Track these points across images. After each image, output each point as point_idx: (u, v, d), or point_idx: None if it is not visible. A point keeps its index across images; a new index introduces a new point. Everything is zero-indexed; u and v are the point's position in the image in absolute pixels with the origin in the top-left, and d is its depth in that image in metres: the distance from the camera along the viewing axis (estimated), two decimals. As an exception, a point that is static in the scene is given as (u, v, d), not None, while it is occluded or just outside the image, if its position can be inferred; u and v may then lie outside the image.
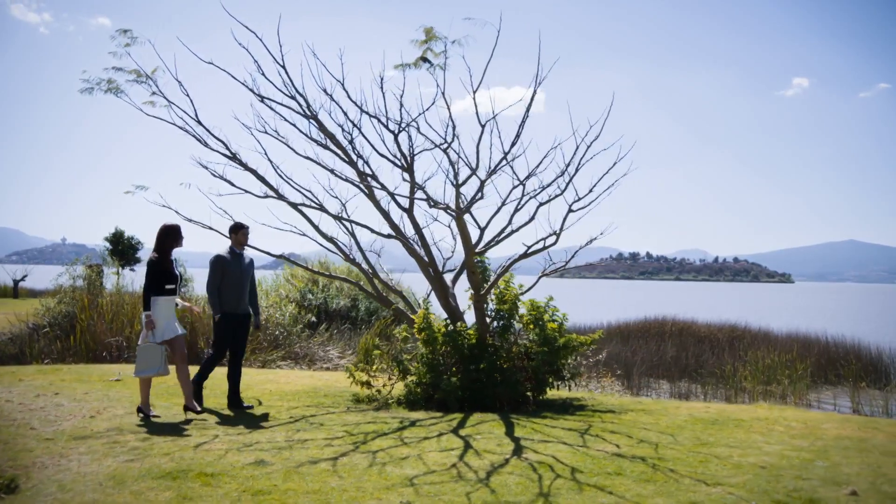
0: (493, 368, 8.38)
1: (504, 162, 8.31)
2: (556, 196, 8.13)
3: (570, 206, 7.94)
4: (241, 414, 7.74)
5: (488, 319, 8.77)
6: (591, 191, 8.00)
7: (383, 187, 8.32)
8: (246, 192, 8.16)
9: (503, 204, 9.02)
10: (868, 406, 13.00)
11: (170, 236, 7.42)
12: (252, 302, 8.05)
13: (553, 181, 8.42)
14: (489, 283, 8.47)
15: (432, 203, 7.88)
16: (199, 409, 7.45)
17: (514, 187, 8.79)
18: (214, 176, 8.13)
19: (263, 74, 8.09)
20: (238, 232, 7.97)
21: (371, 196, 8.50)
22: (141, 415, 7.33)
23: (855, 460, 6.17)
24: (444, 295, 8.88)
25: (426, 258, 8.75)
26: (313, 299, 20.13)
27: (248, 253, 8.16)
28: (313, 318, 19.40)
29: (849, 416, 8.81)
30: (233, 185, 8.12)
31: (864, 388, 14.60)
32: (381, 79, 7.89)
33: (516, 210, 8.75)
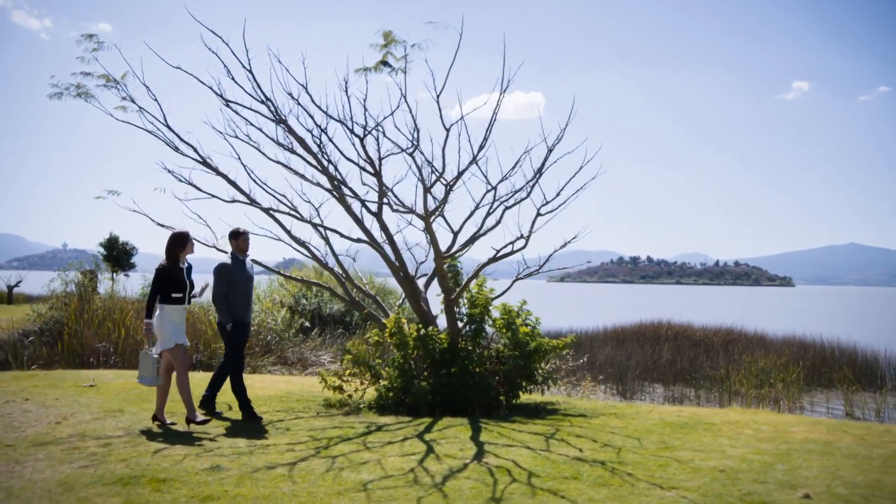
0: (464, 373, 8.36)
1: (475, 165, 8.30)
2: (522, 200, 8.13)
3: (539, 209, 7.93)
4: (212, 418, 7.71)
5: (461, 324, 8.76)
6: (558, 194, 7.99)
7: (352, 192, 8.32)
8: (213, 196, 8.16)
9: (476, 208, 9.02)
10: (860, 410, 12.99)
11: (176, 243, 7.23)
12: None
13: (524, 185, 8.42)
14: (460, 288, 8.46)
15: (393, 208, 7.86)
16: (199, 418, 7.21)
17: (487, 192, 8.80)
18: (180, 181, 8.12)
19: (233, 79, 8.09)
20: (238, 238, 7.81)
21: (342, 200, 8.50)
22: (157, 422, 7.23)
23: (815, 463, 6.15)
24: (416, 299, 8.87)
25: (396, 262, 8.73)
26: (307, 304, 20.11)
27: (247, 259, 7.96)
28: (307, 323, 19.38)
29: (819, 420, 8.78)
30: (199, 189, 8.11)
31: (857, 392, 14.58)
32: (346, 82, 7.90)
33: (488, 214, 8.76)
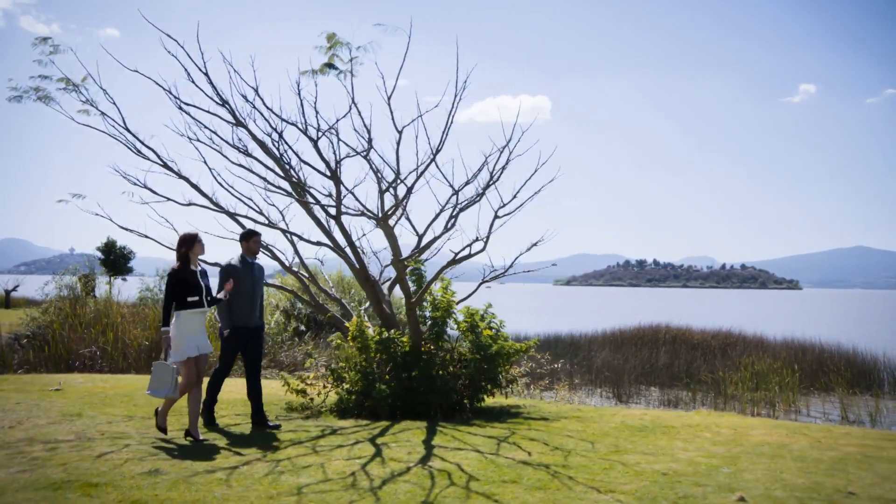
0: (425, 376, 8.33)
1: (436, 169, 8.28)
2: (474, 203, 8.11)
3: (496, 212, 7.91)
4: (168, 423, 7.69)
5: (424, 327, 8.73)
6: (514, 196, 7.97)
7: (311, 195, 8.30)
8: (168, 199, 8.15)
9: (441, 210, 9.00)
10: (855, 413, 12.91)
11: (183, 244, 6.90)
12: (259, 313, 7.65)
13: (486, 188, 8.39)
14: (420, 290, 8.43)
15: (343, 211, 7.83)
16: (201, 437, 6.90)
17: (452, 195, 8.78)
18: (135, 184, 8.11)
19: (193, 82, 8.10)
20: (249, 239, 7.55)
21: (303, 204, 8.48)
22: (190, 438, 6.87)
23: (761, 466, 6.09)
24: (378, 302, 8.85)
25: (357, 265, 8.71)
26: (303, 308, 20.12)
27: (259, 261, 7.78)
28: (302, 327, 19.38)
29: (782, 422, 8.72)
30: (154, 192, 8.10)
31: (855, 395, 14.50)
32: (298, 85, 7.90)
33: (451, 217, 8.73)
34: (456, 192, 8.60)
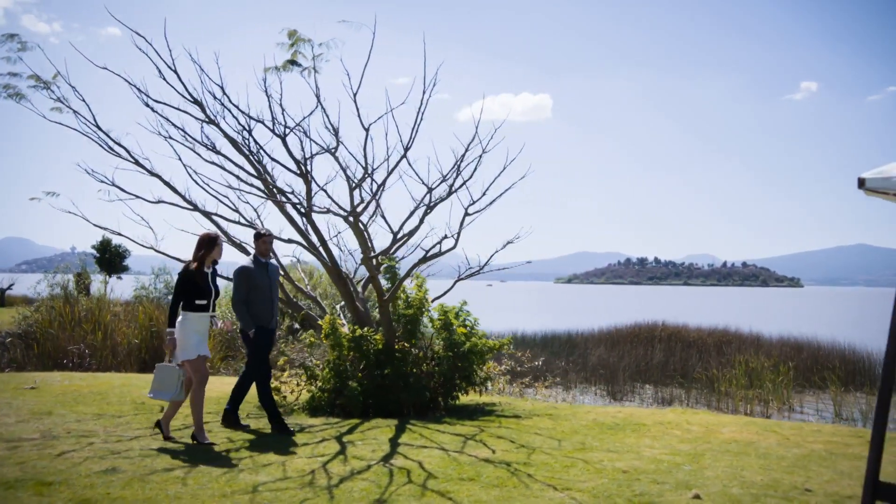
0: (398, 374, 8.31)
1: (408, 167, 8.26)
2: (441, 201, 8.08)
3: (466, 209, 7.89)
4: (145, 422, 7.67)
5: (397, 325, 8.71)
6: (484, 194, 7.95)
7: (280, 191, 8.27)
8: (137, 196, 8.13)
9: (416, 208, 8.98)
10: (848, 411, 12.88)
11: (202, 246, 6.72)
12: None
13: (461, 186, 8.38)
14: (392, 288, 8.41)
15: (304, 208, 7.80)
16: (207, 440, 6.72)
17: (427, 193, 8.76)
18: (103, 182, 8.09)
19: (164, 79, 8.07)
20: (258, 240, 7.40)
21: (275, 201, 8.46)
22: (195, 442, 6.67)
23: (724, 463, 6.07)
24: (352, 300, 8.83)
25: (329, 263, 8.69)
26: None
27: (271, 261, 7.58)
28: (296, 325, 19.33)
29: (755, 420, 8.68)
30: (123, 189, 8.07)
31: (849, 392, 14.46)
32: (265, 82, 7.87)
33: (425, 214, 8.71)
34: (430, 190, 8.58)
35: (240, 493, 5.16)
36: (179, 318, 6.70)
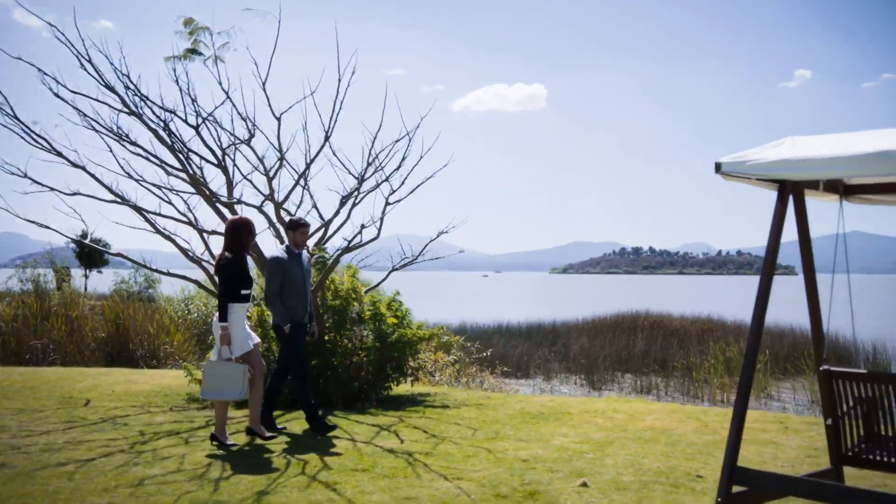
0: (324, 366, 8.24)
1: (334, 157, 8.17)
2: (355, 190, 8.01)
3: (387, 198, 7.81)
4: (64, 416, 7.58)
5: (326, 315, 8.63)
6: (403, 183, 7.89)
7: (199, 182, 8.15)
8: (52, 189, 8.01)
9: (347, 199, 8.88)
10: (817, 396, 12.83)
11: (244, 231, 6.41)
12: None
13: (389, 176, 8.31)
14: (320, 279, 8.33)
15: (216, 199, 7.71)
16: (266, 433, 6.50)
17: (360, 183, 8.68)
18: (11, 174, 7.95)
19: (83, 67, 7.93)
20: (296, 230, 6.94)
21: (199, 192, 8.35)
22: (215, 443, 6.32)
23: (629, 451, 6.02)
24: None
25: (255, 253, 8.60)
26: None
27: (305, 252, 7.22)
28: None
29: (684, 407, 8.63)
30: (36, 182, 7.95)
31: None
32: (175, 72, 7.76)
33: (354, 205, 8.63)
34: (362, 180, 8.49)
35: (123, 487, 5.08)
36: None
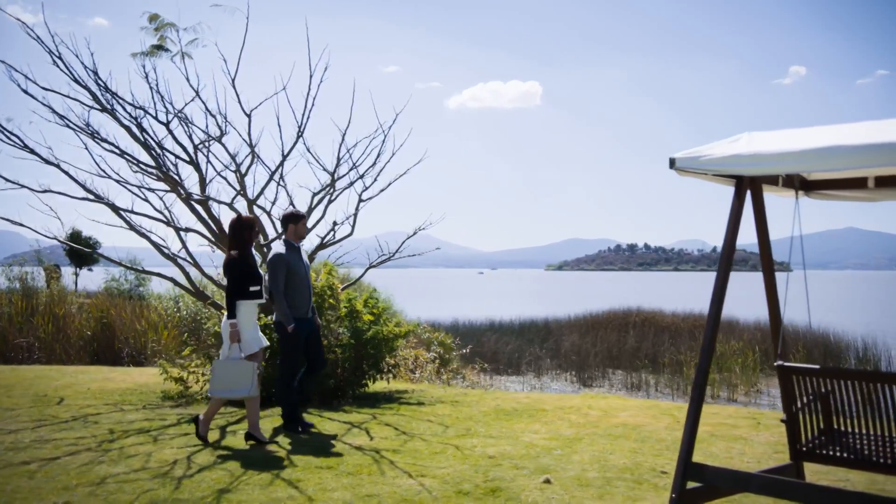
0: (300, 363, 8.19)
1: (308, 154, 8.14)
2: (328, 186, 7.98)
3: (360, 195, 7.79)
4: (50, 415, 7.55)
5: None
6: (375, 180, 7.87)
7: (179, 181, 8.11)
8: (22, 186, 7.95)
9: (324, 196, 8.85)
10: None
11: (244, 229, 6.31)
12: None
13: (364, 174, 8.29)
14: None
15: (185, 194, 7.66)
16: (265, 437, 6.36)
17: (335, 180, 8.66)
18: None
19: (55, 64, 7.88)
20: (298, 222, 6.82)
21: (173, 190, 8.31)
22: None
23: (597, 448, 6.01)
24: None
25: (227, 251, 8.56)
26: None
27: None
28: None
29: (659, 403, 8.63)
30: (7, 179, 7.89)
31: None
32: (144, 68, 7.72)
33: (330, 202, 8.60)
34: (335, 178, 8.46)
35: (84, 486, 5.04)
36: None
